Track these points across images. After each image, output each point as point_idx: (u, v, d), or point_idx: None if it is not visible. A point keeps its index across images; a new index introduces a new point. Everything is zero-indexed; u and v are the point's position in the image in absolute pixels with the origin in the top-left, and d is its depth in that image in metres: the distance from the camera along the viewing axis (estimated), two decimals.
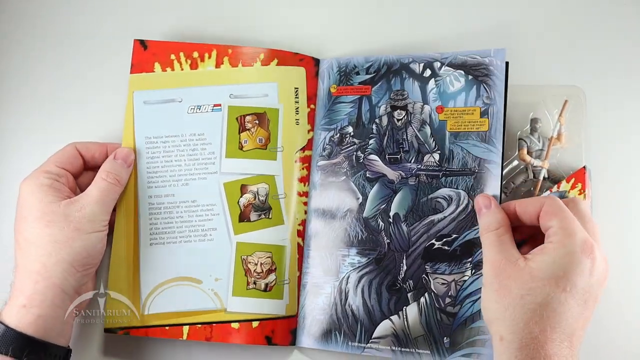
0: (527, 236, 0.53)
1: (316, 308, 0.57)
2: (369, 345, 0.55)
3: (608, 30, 0.62)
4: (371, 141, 0.59)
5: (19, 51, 0.65)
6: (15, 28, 0.66)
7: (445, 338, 0.54)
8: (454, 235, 0.55)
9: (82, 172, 0.58)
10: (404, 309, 0.55)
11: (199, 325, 0.57)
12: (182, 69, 0.60)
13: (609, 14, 0.63)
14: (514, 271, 0.47)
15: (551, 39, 0.62)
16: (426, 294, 0.55)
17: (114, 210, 0.57)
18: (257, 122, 0.60)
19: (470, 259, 0.55)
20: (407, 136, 0.58)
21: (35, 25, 0.66)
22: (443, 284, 0.55)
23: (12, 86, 0.64)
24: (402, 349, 0.55)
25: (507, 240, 0.50)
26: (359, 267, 0.57)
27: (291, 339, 0.57)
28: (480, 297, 0.51)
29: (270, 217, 0.58)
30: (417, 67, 0.59)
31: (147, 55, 0.61)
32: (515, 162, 0.60)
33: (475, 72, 0.57)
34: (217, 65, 0.60)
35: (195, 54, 0.60)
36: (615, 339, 0.58)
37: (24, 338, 0.49)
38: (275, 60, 0.61)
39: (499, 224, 0.51)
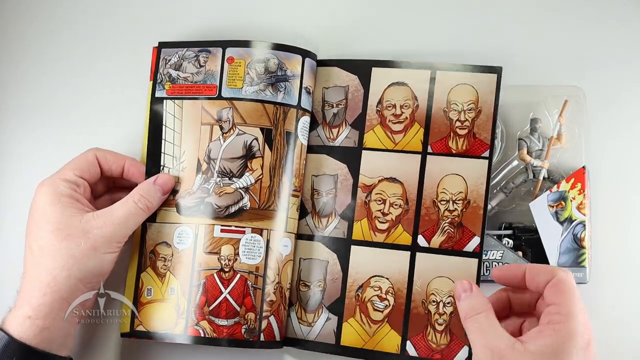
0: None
1: None
2: None
3: (608, 30, 0.63)
4: None
5: (30, 52, 0.65)
6: (26, 29, 0.65)
7: None
8: None
9: (97, 180, 0.57)
10: None
11: None
12: None
13: (609, 15, 0.63)
14: (515, 357, 0.45)
15: (551, 39, 0.63)
16: None
17: None
18: None
19: None
20: None
21: (45, 26, 0.66)
22: None
23: (19, 89, 0.64)
24: None
25: (495, 322, 0.47)
26: None
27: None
28: None
29: None
30: None
31: None
32: (515, 162, 0.60)
33: None
34: None
35: None
36: (615, 338, 0.58)
37: (27, 349, 0.49)
38: None
39: (483, 306, 0.48)
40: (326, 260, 0.58)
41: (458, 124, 0.58)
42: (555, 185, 0.58)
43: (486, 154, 0.57)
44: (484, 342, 0.47)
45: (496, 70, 0.57)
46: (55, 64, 0.65)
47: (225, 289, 0.56)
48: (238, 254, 0.56)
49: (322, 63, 0.61)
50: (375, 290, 0.57)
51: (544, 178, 0.59)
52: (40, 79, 0.65)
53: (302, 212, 0.60)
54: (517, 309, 0.52)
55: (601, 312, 0.58)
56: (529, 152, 0.60)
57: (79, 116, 0.64)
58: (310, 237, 0.59)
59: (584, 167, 0.58)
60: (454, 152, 0.57)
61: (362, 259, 0.57)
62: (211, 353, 0.59)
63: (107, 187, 0.59)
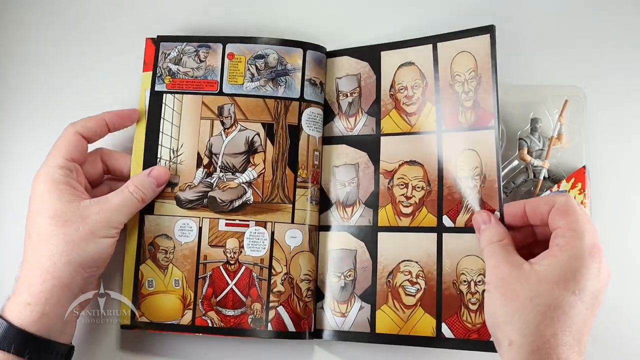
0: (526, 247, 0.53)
1: None
2: None
3: (608, 30, 0.63)
4: None
5: (30, 52, 0.65)
6: (27, 30, 0.65)
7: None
8: None
9: (86, 154, 0.57)
10: None
11: None
12: None
13: (609, 14, 0.63)
14: (520, 275, 0.46)
15: (552, 39, 0.63)
16: None
17: None
18: None
19: None
20: None
21: (45, 26, 0.66)
22: None
23: (19, 89, 0.64)
24: None
25: (511, 249, 0.49)
26: None
27: None
28: None
29: None
30: None
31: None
32: (516, 162, 0.60)
33: None
34: None
35: None
36: (615, 338, 0.58)
37: (27, 336, 0.49)
38: None
39: (500, 236, 0.50)
40: (354, 249, 0.59)
41: (464, 95, 0.57)
42: (556, 185, 0.58)
43: (492, 123, 0.55)
44: (493, 263, 0.49)
45: (489, 30, 0.56)
46: (56, 64, 0.65)
47: (232, 281, 0.57)
48: (243, 247, 0.57)
49: (331, 54, 0.62)
50: (405, 275, 0.57)
51: (544, 178, 0.59)
52: (41, 79, 0.65)
53: (327, 203, 0.60)
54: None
55: (602, 312, 0.58)
56: (529, 152, 0.60)
57: (79, 116, 0.63)
58: (337, 228, 0.59)
59: (584, 166, 0.58)
60: (464, 126, 0.56)
61: (389, 245, 0.58)
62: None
63: (102, 176, 0.59)
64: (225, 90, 0.59)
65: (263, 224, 0.58)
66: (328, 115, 0.61)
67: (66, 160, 0.54)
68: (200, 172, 0.59)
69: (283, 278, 0.57)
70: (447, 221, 0.56)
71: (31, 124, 0.64)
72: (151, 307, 0.57)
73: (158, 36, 0.61)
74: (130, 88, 0.62)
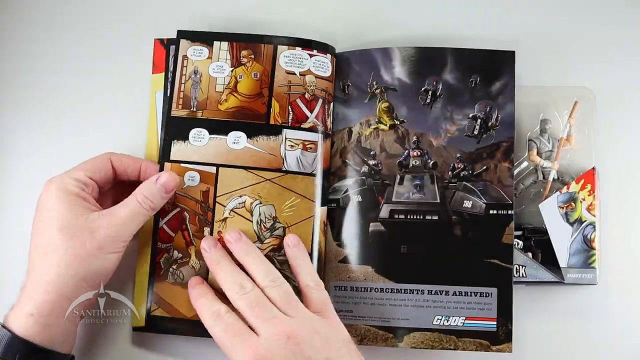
0: None
1: None
2: None
3: (618, 32, 0.63)
4: None
5: (31, 51, 0.64)
6: (27, 29, 0.64)
7: None
8: None
9: (110, 183, 0.56)
10: None
11: None
12: None
13: (619, 16, 0.63)
14: None
15: (561, 41, 0.63)
16: None
17: None
18: None
19: None
20: None
21: (46, 25, 0.64)
22: None
23: (20, 89, 0.63)
24: None
25: None
26: None
27: None
28: None
29: None
30: None
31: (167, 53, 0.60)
32: (525, 164, 0.60)
33: None
34: None
35: None
36: (624, 339, 0.59)
37: (30, 346, 0.48)
38: None
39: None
40: None
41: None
42: (565, 187, 0.58)
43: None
44: None
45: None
46: (57, 64, 0.64)
47: None
48: None
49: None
50: None
51: (553, 179, 0.59)
52: (41, 79, 0.63)
53: None
54: None
55: (611, 313, 0.59)
56: (538, 153, 0.60)
57: (80, 116, 0.63)
58: None
59: (593, 168, 0.58)
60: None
61: None
62: None
63: (111, 181, 0.57)
64: None
65: None
66: None
67: (85, 177, 0.53)
68: None
69: None
70: None
71: (31, 124, 0.63)
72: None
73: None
74: (132, 88, 0.61)
